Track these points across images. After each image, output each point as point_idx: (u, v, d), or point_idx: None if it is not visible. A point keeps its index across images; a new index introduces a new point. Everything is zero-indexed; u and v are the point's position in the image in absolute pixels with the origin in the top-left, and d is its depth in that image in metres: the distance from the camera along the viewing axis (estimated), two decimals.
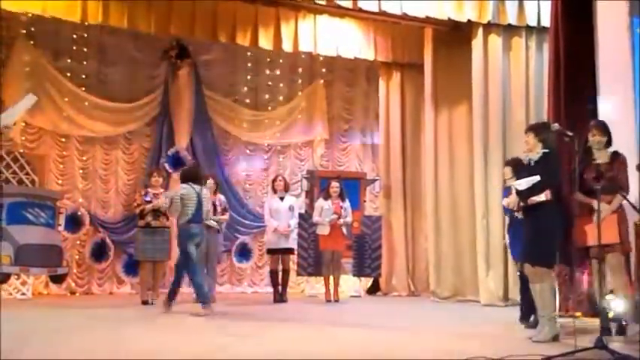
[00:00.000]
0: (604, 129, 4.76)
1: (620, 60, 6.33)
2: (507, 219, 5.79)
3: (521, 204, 4.65)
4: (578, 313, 5.80)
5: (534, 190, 4.42)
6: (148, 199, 7.13)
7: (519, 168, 4.85)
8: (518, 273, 5.67)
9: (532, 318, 5.16)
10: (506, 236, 5.88)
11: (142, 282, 7.29)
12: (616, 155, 4.72)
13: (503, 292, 7.48)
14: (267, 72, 9.82)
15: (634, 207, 4.76)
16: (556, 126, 4.52)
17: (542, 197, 4.41)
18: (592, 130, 4.75)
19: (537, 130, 4.63)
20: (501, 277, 7.49)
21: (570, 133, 4.39)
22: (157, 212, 7.10)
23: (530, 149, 4.57)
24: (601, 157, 4.71)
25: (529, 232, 4.58)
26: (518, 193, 4.59)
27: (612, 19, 6.48)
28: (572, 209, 4.91)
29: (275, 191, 7.76)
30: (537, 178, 4.39)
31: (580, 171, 4.56)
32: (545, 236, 4.45)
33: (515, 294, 7.20)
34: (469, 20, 7.69)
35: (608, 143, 4.74)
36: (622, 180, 4.65)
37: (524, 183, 4.46)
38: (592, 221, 4.44)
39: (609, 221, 4.47)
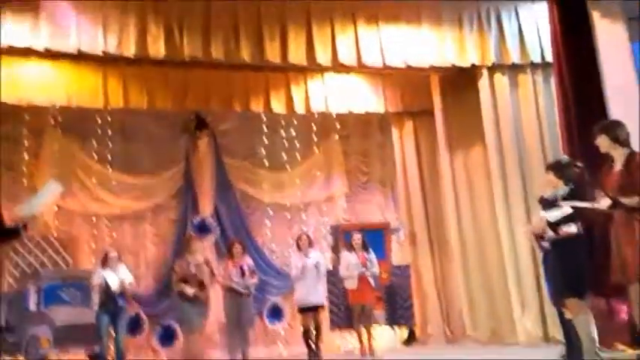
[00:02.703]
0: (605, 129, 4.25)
1: (627, 86, 6.42)
2: (541, 255, 5.75)
3: (552, 236, 4.63)
4: (622, 346, 5.61)
5: (565, 222, 4.45)
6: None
7: (544, 204, 4.84)
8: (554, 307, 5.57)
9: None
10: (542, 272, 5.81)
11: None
12: (632, 157, 4.17)
13: (542, 332, 7.27)
14: (283, 133, 10.07)
15: None
16: (565, 158, 4.59)
17: (574, 228, 4.43)
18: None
19: (555, 168, 4.74)
20: (538, 316, 7.29)
21: (580, 164, 4.43)
22: (202, 282, 7.15)
23: (554, 187, 4.65)
24: (618, 161, 4.20)
25: (559, 264, 4.57)
26: (550, 224, 4.60)
27: (613, 45, 6.61)
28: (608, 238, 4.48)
29: (299, 249, 7.83)
30: (569, 210, 4.43)
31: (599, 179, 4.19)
32: (574, 267, 4.44)
33: (556, 332, 7.02)
34: (473, 64, 7.83)
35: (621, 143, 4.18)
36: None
37: (557, 215, 4.49)
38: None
39: None
